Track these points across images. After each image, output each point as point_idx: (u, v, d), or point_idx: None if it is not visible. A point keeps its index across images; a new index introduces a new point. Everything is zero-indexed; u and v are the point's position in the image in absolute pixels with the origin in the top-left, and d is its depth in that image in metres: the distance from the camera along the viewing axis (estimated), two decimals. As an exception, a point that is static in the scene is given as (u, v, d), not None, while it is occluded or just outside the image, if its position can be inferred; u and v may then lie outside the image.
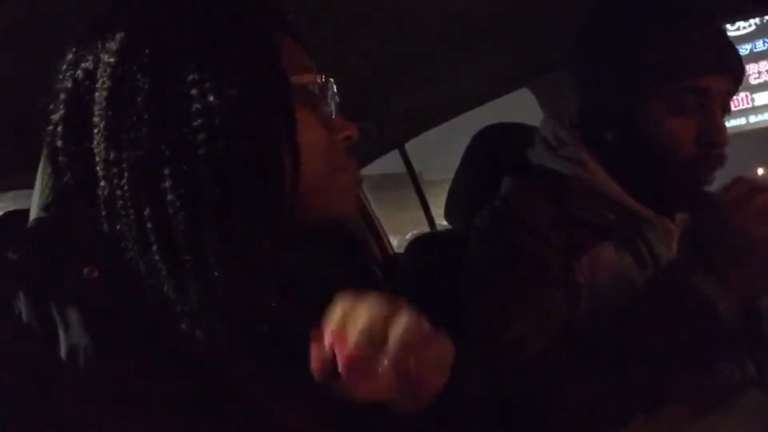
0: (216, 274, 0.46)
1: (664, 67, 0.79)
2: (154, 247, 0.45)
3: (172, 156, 0.46)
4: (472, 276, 0.89)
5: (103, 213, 0.47)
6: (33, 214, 0.55)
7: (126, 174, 0.46)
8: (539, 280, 0.81)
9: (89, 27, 0.50)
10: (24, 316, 0.44)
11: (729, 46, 0.80)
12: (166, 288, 0.45)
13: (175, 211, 0.45)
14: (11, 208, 0.62)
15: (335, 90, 0.55)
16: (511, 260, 0.83)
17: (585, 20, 0.89)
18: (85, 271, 0.46)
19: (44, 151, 0.56)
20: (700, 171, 0.82)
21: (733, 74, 0.81)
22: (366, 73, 1.25)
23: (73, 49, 0.50)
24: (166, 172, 0.45)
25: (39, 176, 0.56)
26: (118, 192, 0.46)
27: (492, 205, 0.92)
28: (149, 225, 0.45)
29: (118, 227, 0.47)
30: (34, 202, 0.56)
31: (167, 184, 0.45)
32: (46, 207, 0.54)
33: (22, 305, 0.45)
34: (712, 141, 0.80)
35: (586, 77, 0.88)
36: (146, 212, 0.46)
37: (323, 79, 0.54)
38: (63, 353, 0.43)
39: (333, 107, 0.55)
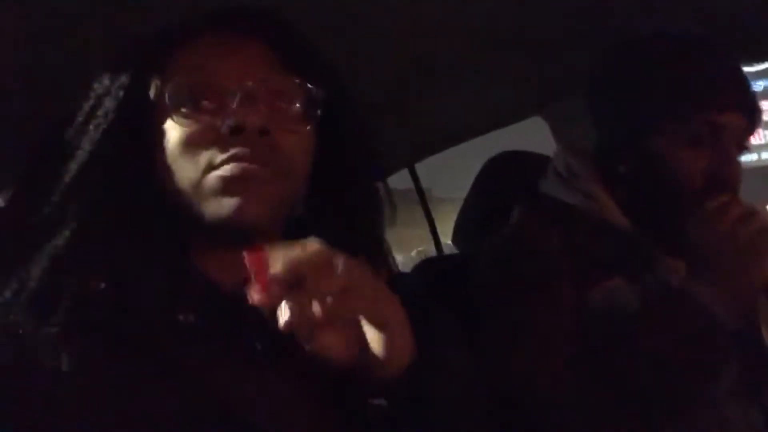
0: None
1: (681, 102, 0.80)
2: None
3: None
4: (481, 302, 0.88)
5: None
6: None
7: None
8: (548, 308, 0.81)
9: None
10: (21, 324, 0.45)
11: (747, 85, 0.82)
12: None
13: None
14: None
15: (188, 87, 0.54)
16: (521, 287, 0.83)
17: (603, 53, 0.90)
18: (74, 279, 0.47)
19: None
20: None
21: (751, 113, 0.83)
22: (379, 91, 1.26)
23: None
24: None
25: None
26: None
27: (502, 232, 0.93)
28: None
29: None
30: None
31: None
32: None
33: (20, 312, 0.46)
34: (721, 176, 0.81)
35: (602, 109, 0.89)
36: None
37: (174, 78, 0.54)
38: (47, 357, 0.44)
39: (191, 105, 0.54)
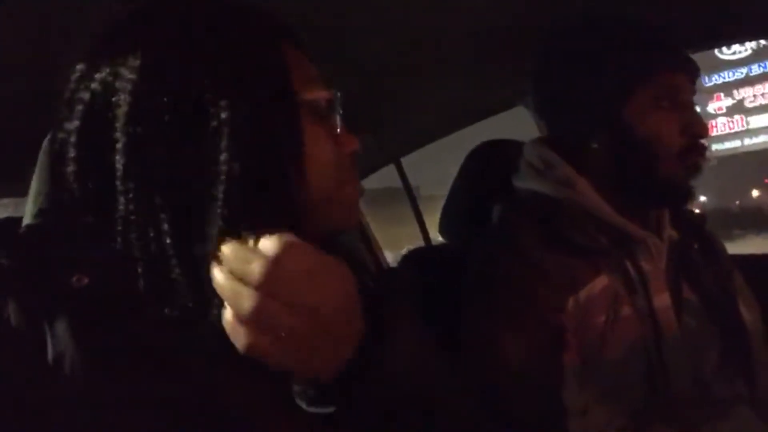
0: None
1: (640, 66, 0.84)
2: (173, 261, 0.46)
3: (192, 172, 0.47)
4: (466, 303, 0.89)
5: (120, 227, 0.47)
6: (27, 219, 0.56)
7: (144, 189, 0.47)
8: (528, 310, 0.81)
9: (102, 39, 0.51)
10: (12, 321, 0.45)
11: (682, 48, 0.88)
12: (186, 304, 0.46)
13: (193, 227, 0.46)
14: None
15: (340, 105, 0.56)
16: (501, 290, 0.84)
17: (553, 39, 0.92)
18: (75, 278, 0.46)
19: (42, 159, 0.57)
20: (691, 161, 0.86)
21: (695, 74, 0.89)
22: (364, 86, 1.27)
23: (87, 59, 0.51)
24: (185, 188, 0.47)
25: (33, 184, 0.57)
26: (133, 206, 0.47)
27: (484, 234, 0.94)
28: (167, 240, 0.46)
29: (132, 240, 0.47)
30: (27, 209, 0.56)
31: (186, 199, 0.46)
32: (38, 214, 0.54)
33: (10, 310, 0.45)
34: (696, 131, 0.85)
35: (561, 94, 0.90)
36: (165, 227, 0.46)
37: (331, 94, 0.55)
38: (50, 360, 0.44)
39: (338, 121, 0.56)
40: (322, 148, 0.53)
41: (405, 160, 1.99)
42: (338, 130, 0.56)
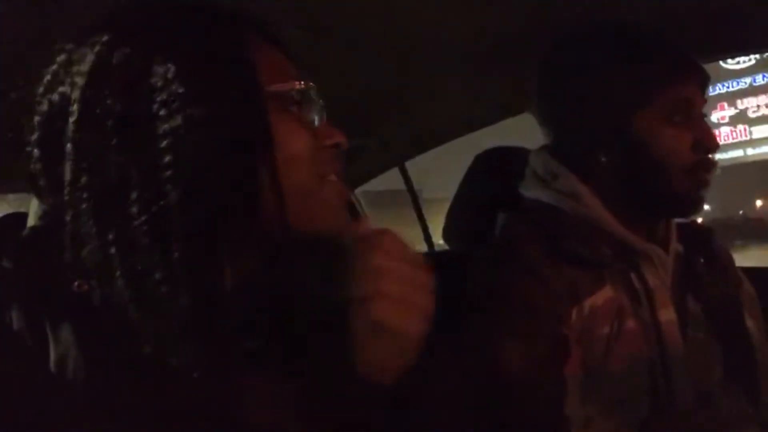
0: (183, 298, 0.44)
1: (653, 80, 0.83)
2: (118, 273, 0.44)
3: (139, 180, 0.44)
4: (468, 311, 0.87)
5: (68, 238, 0.45)
6: (31, 220, 0.55)
7: (92, 199, 0.45)
8: (531, 321, 0.80)
9: (65, 49, 0.49)
10: (15, 325, 0.44)
11: (694, 59, 0.88)
12: (129, 313, 0.44)
13: (141, 235, 0.44)
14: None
15: (317, 96, 0.54)
16: (503, 299, 0.83)
17: (560, 51, 0.91)
18: (76, 284, 0.45)
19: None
20: (701, 176, 0.85)
21: (704, 84, 0.88)
22: (370, 90, 1.26)
23: (52, 69, 0.49)
24: (133, 196, 0.44)
25: None
26: (84, 217, 0.45)
27: (488, 243, 0.93)
28: (112, 250, 0.44)
29: (82, 253, 0.45)
30: (32, 207, 0.56)
31: (134, 209, 0.44)
32: (42, 216, 0.54)
33: (13, 314, 0.44)
34: (707, 146, 0.85)
35: (569, 106, 0.89)
36: (110, 236, 0.44)
37: (303, 85, 0.53)
38: (52, 364, 0.43)
39: (317, 114, 0.54)
40: (293, 138, 0.51)
41: (407, 164, 1.98)
42: (316, 122, 0.54)
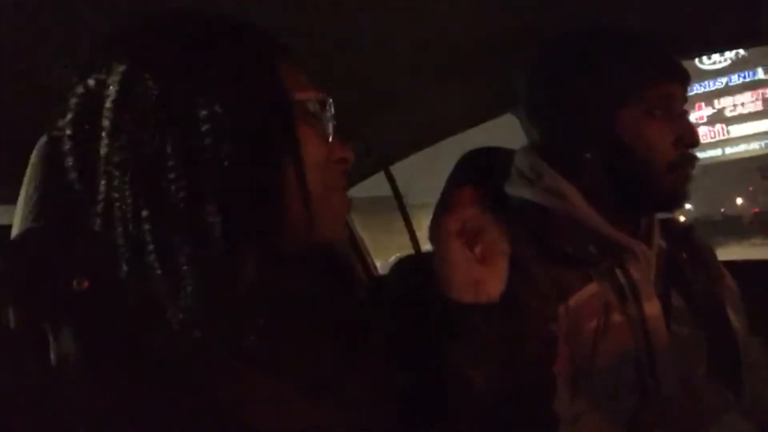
0: (210, 279, 0.46)
1: (635, 77, 0.85)
2: (150, 247, 0.45)
3: (177, 159, 0.46)
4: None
5: (99, 213, 0.47)
6: (16, 225, 0.55)
7: (128, 175, 0.46)
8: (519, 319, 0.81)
9: (101, 45, 0.51)
10: (12, 326, 0.44)
11: (674, 57, 0.89)
12: (159, 290, 0.45)
13: (176, 214, 0.46)
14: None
15: (332, 110, 0.56)
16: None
17: (546, 52, 0.92)
18: (75, 282, 0.46)
19: (35, 160, 0.56)
20: (684, 171, 0.87)
21: (687, 82, 0.90)
22: (353, 94, 1.27)
23: (85, 63, 0.51)
24: (170, 176, 0.46)
25: (25, 187, 0.56)
26: (117, 194, 0.46)
27: None
28: (146, 227, 0.46)
29: (114, 229, 0.46)
30: (17, 213, 0.55)
31: (171, 187, 0.46)
32: (36, 217, 0.54)
33: (10, 315, 0.44)
34: (688, 141, 0.86)
35: (553, 104, 0.90)
36: (144, 213, 0.46)
37: (323, 96, 0.55)
38: (53, 362, 0.43)
39: (330, 127, 0.56)
40: (312, 148, 0.53)
41: (393, 169, 1.99)
42: (330, 137, 0.56)
